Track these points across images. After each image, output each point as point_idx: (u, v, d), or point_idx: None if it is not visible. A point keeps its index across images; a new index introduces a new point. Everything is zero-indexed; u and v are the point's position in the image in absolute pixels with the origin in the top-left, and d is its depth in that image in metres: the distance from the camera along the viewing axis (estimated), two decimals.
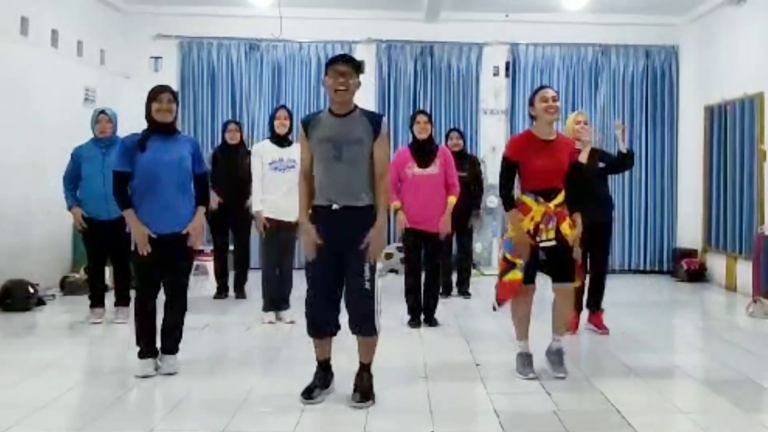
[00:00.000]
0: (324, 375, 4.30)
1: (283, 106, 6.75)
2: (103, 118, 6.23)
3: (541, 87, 5.05)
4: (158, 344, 4.79)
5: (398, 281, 6.91)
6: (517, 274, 4.71)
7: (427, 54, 10.11)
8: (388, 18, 9.94)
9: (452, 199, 6.19)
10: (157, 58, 10.00)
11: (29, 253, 7.53)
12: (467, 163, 7.59)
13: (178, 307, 4.78)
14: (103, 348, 5.74)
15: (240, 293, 7.57)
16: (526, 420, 4.06)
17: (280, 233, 6.25)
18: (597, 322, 6.12)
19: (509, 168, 4.82)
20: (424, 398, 4.30)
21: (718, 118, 9.21)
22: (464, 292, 7.89)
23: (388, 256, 8.99)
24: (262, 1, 9.28)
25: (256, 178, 6.35)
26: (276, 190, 6.21)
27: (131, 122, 8.80)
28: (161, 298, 4.79)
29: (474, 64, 10.13)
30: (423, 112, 6.67)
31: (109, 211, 5.85)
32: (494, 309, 4.91)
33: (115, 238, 6.08)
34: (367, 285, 4.10)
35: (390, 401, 4.24)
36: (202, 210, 4.80)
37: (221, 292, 7.63)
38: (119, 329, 6.07)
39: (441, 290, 7.32)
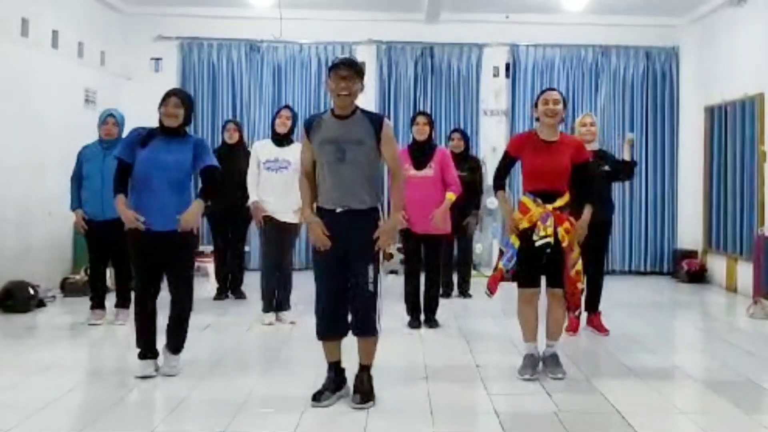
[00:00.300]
0: (335, 378, 4.27)
1: (287, 106, 6.75)
2: (110, 120, 6.23)
3: (547, 89, 5.06)
4: (159, 345, 4.78)
5: (398, 282, 6.92)
6: (500, 264, 4.81)
7: (428, 55, 10.12)
8: (388, 19, 9.95)
9: (451, 196, 6.11)
10: (157, 59, 10.01)
11: (30, 255, 7.53)
12: (467, 163, 7.57)
13: (182, 307, 4.76)
14: (104, 349, 5.74)
15: (238, 294, 7.58)
16: (527, 421, 4.06)
17: (279, 233, 6.25)
18: (596, 324, 6.12)
19: (506, 162, 4.93)
20: (424, 399, 4.30)
21: (718, 118, 9.21)
22: (465, 292, 7.89)
23: (389, 256, 8.99)
24: (263, 2, 9.29)
25: (250, 174, 6.38)
26: (272, 192, 6.22)
27: (132, 123, 8.84)
28: (163, 300, 4.79)
29: (474, 65, 10.14)
30: (423, 113, 6.64)
31: (105, 212, 5.88)
32: (488, 295, 4.99)
33: (114, 238, 6.05)
34: (370, 286, 4.11)
35: (390, 402, 4.24)
36: (198, 202, 4.68)
37: (222, 293, 7.63)
38: (119, 330, 6.07)
39: (441, 291, 7.32)
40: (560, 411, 4.12)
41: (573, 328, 6.05)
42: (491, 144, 10.03)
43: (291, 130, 6.41)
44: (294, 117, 6.48)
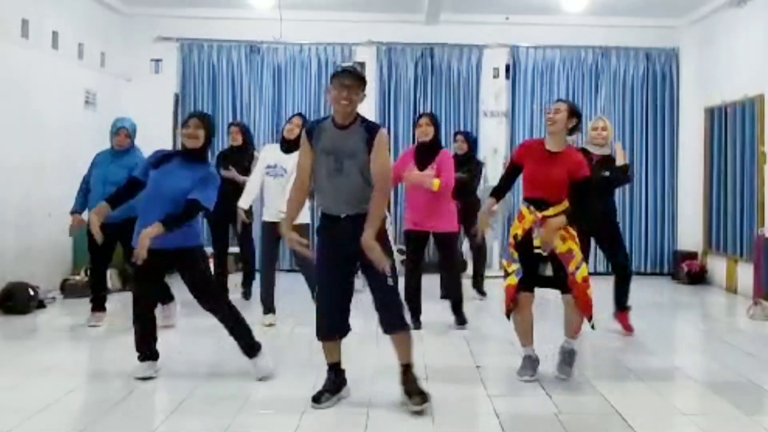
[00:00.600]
0: (335, 379, 4.27)
1: (300, 114, 6.76)
2: (122, 132, 6.21)
3: (556, 100, 5.07)
4: (158, 347, 4.80)
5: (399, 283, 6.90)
6: (513, 279, 4.75)
7: (428, 56, 10.12)
8: (388, 20, 9.95)
9: (436, 182, 5.99)
10: (157, 60, 10.02)
11: (30, 256, 7.53)
12: (468, 166, 7.46)
13: (222, 316, 4.75)
14: (104, 350, 5.73)
15: (247, 292, 7.56)
16: (527, 422, 4.06)
17: (276, 237, 6.27)
18: (622, 321, 6.15)
19: (510, 169, 4.93)
20: None
21: (718, 120, 9.21)
22: (479, 291, 7.87)
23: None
24: (263, 3, 9.29)
25: (252, 176, 6.43)
26: (273, 197, 6.23)
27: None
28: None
29: (474, 67, 10.13)
30: (426, 114, 6.58)
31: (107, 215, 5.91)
32: (507, 317, 4.89)
33: (116, 241, 6.10)
34: (389, 280, 4.10)
35: (391, 403, 4.23)
36: (157, 226, 4.41)
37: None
38: (119, 331, 6.07)
39: (442, 293, 7.32)
40: (560, 412, 4.12)
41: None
42: (491, 145, 10.04)
43: (298, 138, 6.38)
44: (305, 125, 6.42)
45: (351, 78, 4.08)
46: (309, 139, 4.17)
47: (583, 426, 3.98)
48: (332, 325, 4.21)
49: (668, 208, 10.12)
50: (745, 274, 8.20)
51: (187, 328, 6.19)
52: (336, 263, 4.14)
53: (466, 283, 7.78)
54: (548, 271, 4.73)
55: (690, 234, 9.83)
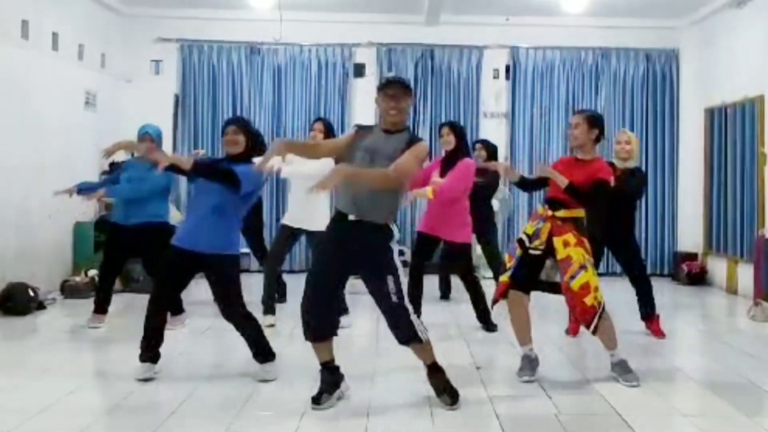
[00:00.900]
0: (330, 378, 4.26)
1: (321, 119, 6.73)
2: (146, 137, 6.21)
3: (575, 112, 5.10)
4: (159, 350, 4.79)
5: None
6: (506, 276, 4.80)
7: (428, 57, 10.12)
8: (388, 21, 9.94)
9: (429, 189, 5.97)
10: (157, 61, 10.02)
11: (30, 257, 7.53)
12: (486, 173, 7.36)
13: (240, 329, 4.78)
14: (104, 351, 5.72)
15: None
16: (527, 423, 4.06)
17: (289, 238, 6.34)
18: (652, 328, 6.14)
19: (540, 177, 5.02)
20: (424, 401, 4.29)
21: (718, 120, 9.21)
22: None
23: None
24: (263, 4, 9.29)
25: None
26: (297, 201, 6.23)
27: (131, 125, 8.84)
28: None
29: (474, 68, 10.14)
30: (446, 124, 6.50)
31: (129, 218, 6.08)
32: (491, 306, 5.00)
33: (132, 247, 6.18)
34: (395, 299, 4.06)
35: (391, 404, 4.24)
36: (187, 160, 4.54)
37: None
38: (119, 332, 6.07)
39: (441, 294, 7.33)
40: (560, 413, 4.12)
41: (573, 332, 6.07)
42: None
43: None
44: (328, 129, 6.36)
45: (396, 88, 4.14)
46: (356, 135, 4.24)
47: (583, 427, 3.98)
48: (322, 327, 4.19)
49: (668, 208, 10.12)
50: (746, 274, 8.19)
51: (188, 329, 6.18)
52: (334, 264, 4.13)
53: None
54: (558, 277, 4.73)
55: (690, 235, 9.83)
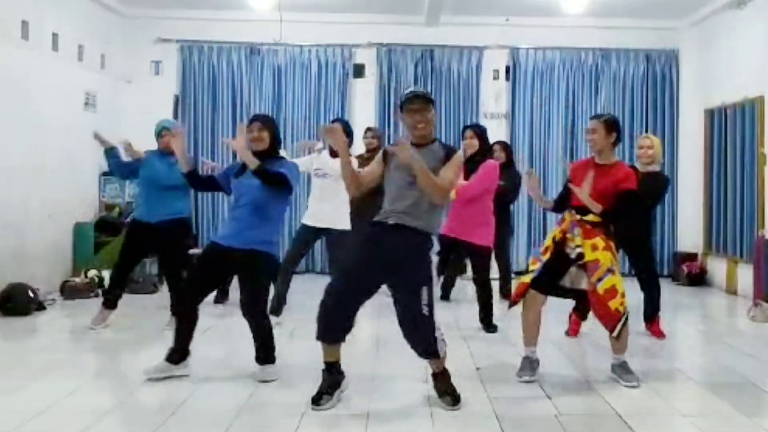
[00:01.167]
0: (331, 379, 4.24)
1: (339, 119, 6.76)
2: (167, 134, 6.21)
3: (591, 117, 5.04)
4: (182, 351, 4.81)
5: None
6: (527, 278, 4.78)
7: (428, 58, 10.12)
8: (388, 22, 9.95)
9: (453, 194, 5.85)
10: (157, 62, 10.02)
11: (29, 257, 7.53)
12: (508, 173, 7.28)
13: (252, 327, 4.77)
14: (104, 352, 5.72)
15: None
16: (527, 424, 4.06)
17: (307, 238, 6.38)
18: (652, 329, 6.17)
19: (565, 188, 4.97)
20: (424, 402, 4.30)
21: (718, 121, 9.22)
22: (508, 296, 7.76)
23: None
24: (263, 5, 9.29)
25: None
26: (319, 199, 6.29)
27: (131, 125, 8.86)
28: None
29: (474, 68, 10.14)
30: (470, 126, 6.48)
31: (150, 215, 6.07)
32: (508, 307, 4.93)
33: (154, 244, 6.17)
34: (426, 311, 4.04)
35: (390, 405, 4.24)
36: (255, 162, 4.51)
37: (222, 296, 7.61)
38: (119, 333, 6.07)
39: (441, 294, 7.30)
40: (560, 414, 4.12)
41: (573, 332, 6.07)
42: None
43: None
44: (347, 131, 6.38)
45: (419, 102, 4.19)
46: (384, 156, 4.26)
47: (582, 427, 3.98)
48: (343, 329, 4.17)
49: (668, 209, 10.11)
50: (745, 275, 8.20)
51: None
52: (369, 270, 4.09)
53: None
54: (584, 284, 4.72)
55: (690, 235, 9.83)
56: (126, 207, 9.05)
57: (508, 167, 7.48)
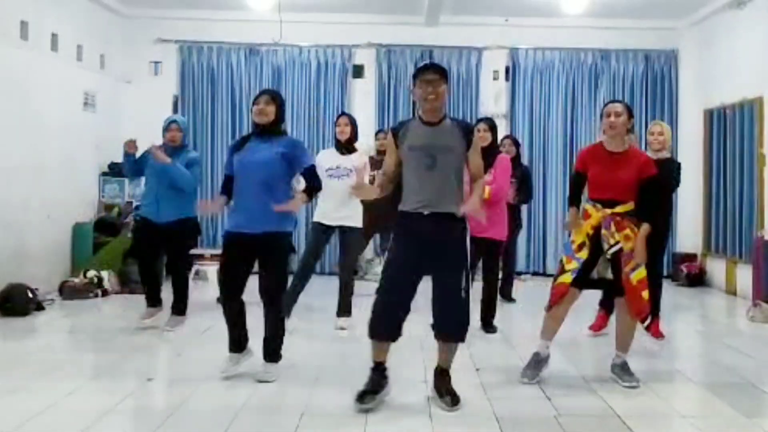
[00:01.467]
0: (377, 379, 4.23)
1: (344, 113, 6.74)
2: (173, 126, 6.17)
3: (610, 101, 4.97)
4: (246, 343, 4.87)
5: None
6: (568, 278, 4.71)
7: (427, 58, 10.09)
8: (387, 22, 9.95)
9: (487, 189, 5.76)
10: (157, 62, 10.02)
11: (29, 257, 7.52)
12: (518, 170, 7.28)
13: (270, 317, 4.75)
14: (104, 352, 5.72)
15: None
16: (527, 424, 4.06)
17: (321, 239, 6.35)
18: (651, 329, 6.12)
19: (576, 179, 4.92)
20: (423, 402, 4.30)
21: (717, 121, 9.22)
22: (508, 297, 7.80)
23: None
24: (262, 5, 9.29)
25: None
26: (329, 198, 6.15)
27: (131, 126, 8.85)
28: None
29: (474, 68, 10.14)
30: (483, 120, 6.46)
31: (160, 214, 6.03)
32: (546, 310, 4.86)
33: (163, 243, 6.13)
34: (464, 295, 4.09)
35: (390, 405, 4.24)
36: (302, 195, 4.64)
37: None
38: (119, 334, 6.06)
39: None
40: (560, 415, 4.12)
41: (597, 327, 6.07)
42: None
43: (352, 137, 6.35)
44: (353, 123, 6.40)
45: (432, 72, 4.10)
46: (395, 139, 4.19)
47: (582, 428, 3.98)
48: (392, 328, 4.17)
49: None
50: (745, 275, 8.20)
51: (186, 329, 6.17)
52: (410, 263, 4.10)
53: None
54: (609, 273, 4.70)
55: (689, 236, 9.83)
56: (125, 207, 9.04)
57: (517, 164, 7.44)
